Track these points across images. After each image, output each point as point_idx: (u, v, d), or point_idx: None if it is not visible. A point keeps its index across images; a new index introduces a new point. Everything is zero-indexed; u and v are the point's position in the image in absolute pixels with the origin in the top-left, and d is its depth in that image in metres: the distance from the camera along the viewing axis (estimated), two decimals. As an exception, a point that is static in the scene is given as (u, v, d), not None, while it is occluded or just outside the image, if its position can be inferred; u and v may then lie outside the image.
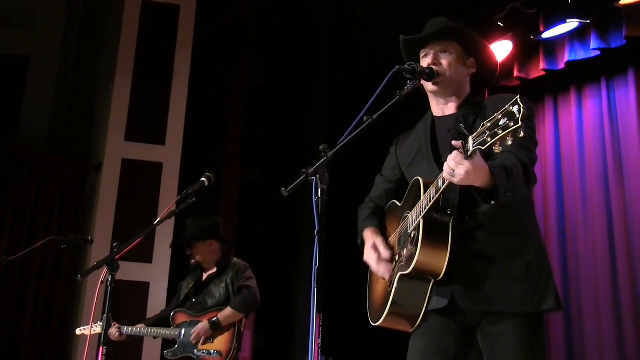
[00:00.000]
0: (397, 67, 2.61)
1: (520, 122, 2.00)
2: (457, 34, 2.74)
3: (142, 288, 6.43)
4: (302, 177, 2.36)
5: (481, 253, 2.53)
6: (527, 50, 6.53)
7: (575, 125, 6.61)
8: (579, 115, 6.68)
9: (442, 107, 2.80)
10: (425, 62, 2.72)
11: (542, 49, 6.50)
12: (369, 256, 2.74)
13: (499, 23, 6.39)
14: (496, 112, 2.43)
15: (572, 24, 6.14)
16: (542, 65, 6.47)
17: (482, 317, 2.55)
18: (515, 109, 2.03)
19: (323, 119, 8.13)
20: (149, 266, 6.47)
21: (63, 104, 7.75)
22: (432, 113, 2.85)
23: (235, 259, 5.01)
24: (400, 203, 2.83)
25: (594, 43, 6.09)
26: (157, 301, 6.41)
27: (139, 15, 7.05)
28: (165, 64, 7.05)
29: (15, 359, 6.13)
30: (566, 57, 6.32)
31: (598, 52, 6.14)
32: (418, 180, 2.63)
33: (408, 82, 2.63)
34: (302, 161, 7.90)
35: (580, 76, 6.69)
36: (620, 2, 5.78)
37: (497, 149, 2.09)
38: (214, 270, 4.93)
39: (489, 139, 2.08)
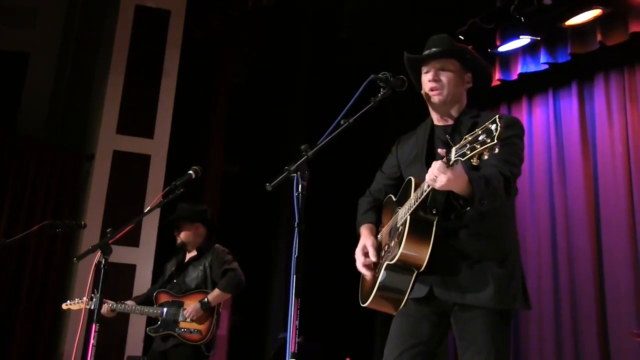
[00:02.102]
0: (372, 76, 2.64)
1: (495, 140, 2.04)
2: (457, 52, 2.79)
3: (129, 270, 6.44)
4: (285, 174, 2.39)
5: (461, 251, 2.58)
6: (484, 62, 6.63)
7: (526, 130, 6.64)
8: (529, 121, 6.77)
9: (441, 117, 2.84)
10: (426, 78, 2.76)
11: (498, 61, 6.56)
12: (358, 256, 2.79)
13: (460, 36, 6.40)
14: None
15: (524, 40, 6.20)
16: (497, 75, 6.54)
17: (455, 305, 2.62)
18: (493, 127, 2.07)
19: (302, 118, 8.15)
20: (135, 249, 6.48)
21: (60, 98, 7.69)
22: (432, 119, 2.88)
23: (216, 244, 4.97)
24: (395, 198, 2.87)
25: (543, 58, 6.19)
26: (142, 282, 6.43)
27: (132, 18, 7.04)
28: (155, 63, 7.07)
29: (12, 334, 6.10)
30: (519, 69, 6.40)
31: (547, 66, 6.25)
32: (410, 179, 2.68)
33: (381, 89, 2.65)
34: (281, 156, 8.01)
35: (530, 87, 6.78)
36: (566, 23, 5.89)
37: (475, 162, 2.13)
38: (195, 253, 4.93)
39: (469, 152, 2.12)
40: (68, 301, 4.89)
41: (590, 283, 5.96)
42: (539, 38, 6.19)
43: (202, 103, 7.80)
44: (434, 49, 2.76)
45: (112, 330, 5.85)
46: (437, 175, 2.28)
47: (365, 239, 2.82)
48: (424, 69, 2.80)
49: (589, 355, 5.83)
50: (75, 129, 7.24)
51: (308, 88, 8.20)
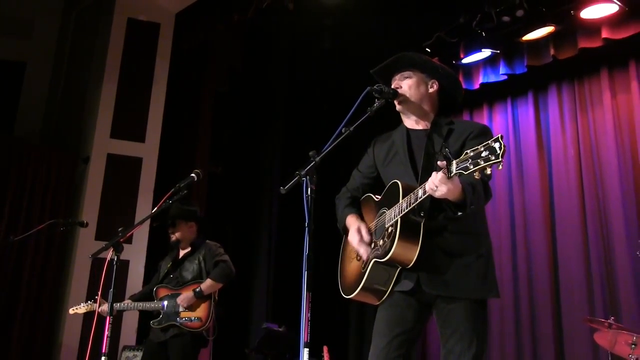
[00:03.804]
0: (368, 88, 2.70)
1: (500, 158, 2.08)
2: (414, 62, 2.86)
3: (123, 265, 6.33)
4: (296, 178, 2.42)
5: (443, 248, 2.63)
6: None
7: None
8: (489, 127, 6.76)
9: (412, 122, 2.88)
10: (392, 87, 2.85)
11: (461, 72, 6.69)
12: (353, 237, 2.79)
13: (427, 49, 6.51)
14: (461, 135, 2.69)
15: (485, 53, 6.36)
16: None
17: (438, 297, 2.66)
18: (497, 145, 2.10)
19: (281, 123, 8.20)
20: (129, 246, 6.32)
21: (56, 104, 7.63)
22: (405, 125, 2.92)
23: (207, 240, 5.01)
24: (377, 197, 2.88)
25: (502, 69, 6.35)
26: (135, 277, 6.42)
27: (124, 30, 7.03)
28: (146, 72, 7.06)
29: (12, 326, 6.07)
30: (480, 79, 6.54)
31: (505, 77, 6.41)
32: (397, 183, 2.69)
33: (376, 100, 2.73)
34: (261, 159, 8.05)
35: (491, 95, 6.93)
36: (523, 38, 6.08)
37: (477, 176, 2.17)
38: (189, 249, 4.94)
39: (471, 167, 2.16)
40: (75, 307, 4.90)
41: (545, 274, 6.13)
42: (498, 51, 6.35)
43: (189, 109, 7.78)
44: (388, 61, 2.89)
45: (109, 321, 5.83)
46: (437, 186, 2.34)
47: (358, 223, 2.83)
48: (392, 81, 2.89)
49: (544, 338, 6.00)
50: (70, 133, 7.14)
51: (286, 96, 8.23)
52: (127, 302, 4.89)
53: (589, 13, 5.66)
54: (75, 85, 7.46)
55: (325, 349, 6.20)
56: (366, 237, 2.77)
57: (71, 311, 4.91)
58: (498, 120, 6.90)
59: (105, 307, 4.54)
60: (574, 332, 5.76)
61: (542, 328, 6.04)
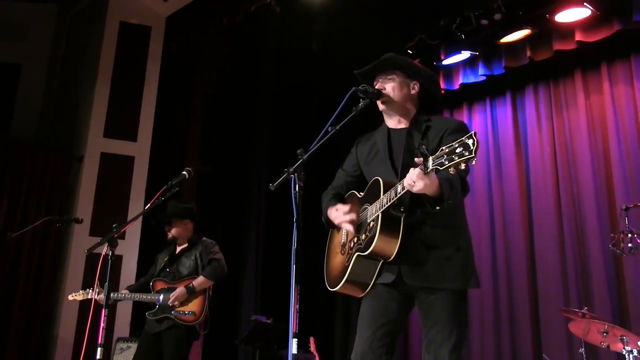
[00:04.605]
0: (354, 88, 2.69)
1: (473, 154, 2.09)
2: (397, 65, 2.86)
3: (117, 260, 6.16)
4: (285, 175, 2.43)
5: (424, 241, 2.63)
6: (430, 74, 6.74)
7: None
8: (469, 125, 6.79)
9: (394, 121, 2.88)
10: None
11: (442, 73, 6.74)
12: (335, 215, 2.79)
13: (409, 50, 6.58)
14: (439, 132, 2.70)
15: (465, 55, 6.43)
16: (441, 85, 6.64)
17: (420, 288, 2.67)
18: (470, 142, 2.11)
19: (269, 124, 8.24)
20: (122, 242, 6.26)
21: (50, 105, 7.63)
22: (387, 125, 2.92)
23: (204, 237, 4.99)
24: (359, 194, 2.88)
25: (481, 70, 6.43)
26: (128, 271, 6.45)
27: (117, 33, 7.04)
28: (138, 73, 7.08)
29: (9, 319, 6.08)
30: (460, 80, 6.62)
31: (484, 78, 6.48)
32: (378, 180, 2.69)
33: (361, 100, 2.73)
34: (248, 158, 8.05)
35: (470, 96, 6.98)
36: (501, 41, 6.15)
37: (452, 171, 2.18)
38: (186, 245, 4.96)
39: (446, 162, 2.16)
40: (73, 293, 4.91)
41: (523, 267, 6.21)
42: (477, 53, 6.43)
43: (179, 110, 7.81)
44: (373, 63, 2.89)
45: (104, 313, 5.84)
46: (415, 181, 2.34)
47: (338, 205, 2.83)
48: (375, 82, 2.89)
49: (522, 327, 6.08)
50: (65, 133, 7.17)
51: (274, 97, 8.26)
52: (124, 292, 4.90)
53: (563, 17, 5.74)
54: (69, 87, 7.46)
55: (312, 339, 6.26)
56: (345, 208, 2.76)
57: (70, 297, 4.92)
58: (477, 119, 6.97)
59: (102, 296, 4.56)
60: (550, 321, 5.84)
61: (520, 318, 6.12)
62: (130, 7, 7.17)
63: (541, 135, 6.36)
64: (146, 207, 3.53)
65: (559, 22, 5.79)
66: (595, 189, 5.83)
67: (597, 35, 5.69)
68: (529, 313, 6.06)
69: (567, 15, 5.71)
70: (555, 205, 6.10)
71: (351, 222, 2.73)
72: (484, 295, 6.39)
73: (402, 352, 7.00)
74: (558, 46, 5.91)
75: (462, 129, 2.72)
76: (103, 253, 3.24)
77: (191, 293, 4.69)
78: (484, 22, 6.06)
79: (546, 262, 6.04)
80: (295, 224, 2.35)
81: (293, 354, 2.26)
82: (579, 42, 5.76)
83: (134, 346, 5.59)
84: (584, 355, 4.60)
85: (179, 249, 5.00)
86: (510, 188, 6.49)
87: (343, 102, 2.65)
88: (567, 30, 5.82)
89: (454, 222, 2.72)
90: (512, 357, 6.09)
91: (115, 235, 3.26)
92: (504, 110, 6.73)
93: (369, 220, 2.68)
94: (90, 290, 4.78)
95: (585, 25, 5.71)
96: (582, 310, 4.50)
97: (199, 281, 4.72)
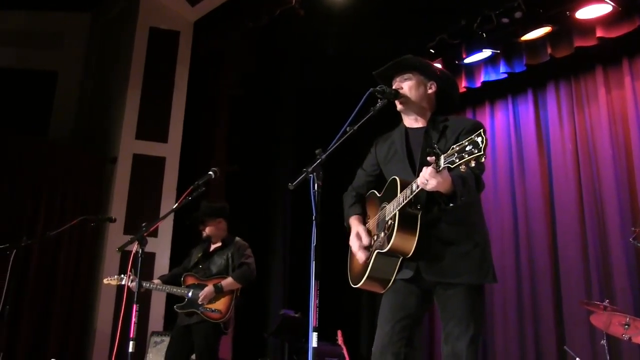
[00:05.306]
0: (371, 89, 2.71)
1: (482, 151, 2.12)
2: (414, 65, 2.88)
3: (150, 257, 6.48)
4: (304, 175, 2.46)
5: (441, 238, 2.66)
6: (451, 72, 6.42)
7: (489, 132, 6.79)
8: (491, 124, 6.93)
9: (412, 121, 2.90)
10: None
11: (464, 71, 6.75)
12: (353, 242, 2.86)
13: (431, 50, 6.62)
14: (455, 131, 2.72)
15: (486, 53, 6.42)
16: (463, 84, 6.71)
17: (437, 283, 2.69)
18: (479, 139, 2.14)
19: (293, 123, 8.30)
20: (155, 239, 6.53)
21: (85, 109, 7.78)
22: (405, 125, 2.94)
23: (237, 237, 5.01)
24: (379, 193, 2.90)
25: (502, 68, 6.40)
26: (161, 268, 6.51)
27: (147, 38, 7.17)
28: (167, 77, 7.19)
29: (51, 312, 6.20)
30: (482, 78, 6.60)
31: (506, 75, 6.46)
32: (395, 179, 2.72)
33: (379, 100, 2.75)
34: (273, 157, 8.07)
35: (492, 93, 6.96)
36: (521, 38, 6.13)
37: (463, 169, 2.21)
38: (220, 244, 4.99)
39: (457, 160, 2.19)
40: (109, 277, 4.99)
41: (546, 261, 6.19)
42: (498, 51, 6.41)
43: (207, 112, 7.88)
44: (389, 64, 2.91)
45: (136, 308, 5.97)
46: (428, 179, 2.38)
47: (358, 227, 2.90)
48: (393, 83, 2.92)
49: (544, 320, 6.07)
50: (98, 136, 7.34)
51: (297, 97, 8.31)
52: (156, 282, 4.97)
53: (583, 13, 5.70)
54: (102, 91, 7.60)
55: (339, 332, 6.32)
56: (365, 240, 2.83)
57: (105, 281, 4.99)
58: (499, 116, 6.94)
59: (135, 283, 4.68)
60: (571, 314, 5.82)
61: (542, 311, 6.10)
62: (160, 13, 7.29)
63: (563, 131, 6.32)
64: (174, 207, 3.59)
65: (580, 19, 5.75)
66: (616, 184, 5.78)
67: (619, 31, 5.62)
68: (551, 306, 6.04)
69: (588, 12, 5.66)
70: (577, 200, 6.06)
71: (364, 254, 2.79)
72: (507, 289, 6.39)
73: (428, 347, 7.03)
74: (579, 43, 5.86)
75: (478, 129, 2.68)
76: (133, 251, 3.31)
77: (219, 292, 4.74)
78: (505, 20, 6.04)
79: (568, 256, 6.02)
80: (314, 222, 2.38)
81: (314, 347, 2.30)
82: (600, 38, 5.71)
83: (167, 340, 5.65)
84: (606, 347, 4.59)
85: (212, 247, 5.05)
86: (533, 184, 6.46)
87: (361, 102, 2.67)
88: (588, 27, 5.77)
89: (469, 218, 2.74)
90: (535, 350, 6.07)
91: (145, 234, 3.31)
92: (526, 107, 6.69)
93: (387, 219, 2.72)
94: (124, 276, 4.84)
95: (606, 21, 5.65)
96: (604, 303, 4.50)
97: (228, 282, 4.77)
